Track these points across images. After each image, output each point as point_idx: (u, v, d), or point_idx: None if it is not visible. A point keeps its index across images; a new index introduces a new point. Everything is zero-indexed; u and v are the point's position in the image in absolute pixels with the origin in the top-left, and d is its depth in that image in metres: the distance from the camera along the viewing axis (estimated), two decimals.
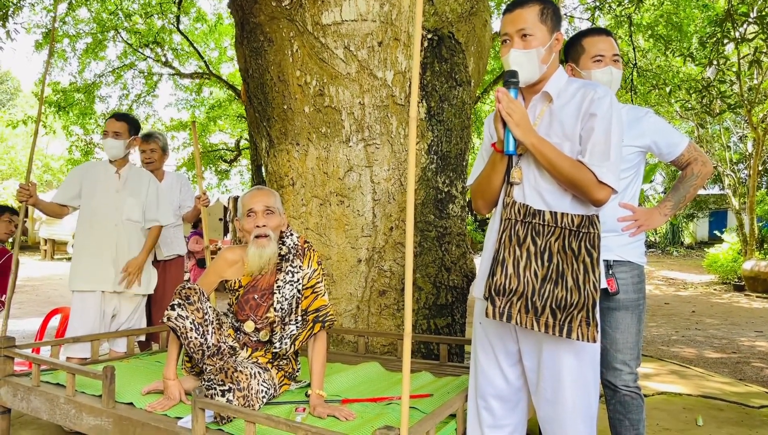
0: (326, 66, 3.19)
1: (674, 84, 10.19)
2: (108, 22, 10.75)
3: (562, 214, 1.66)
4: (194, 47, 11.93)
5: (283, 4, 3.19)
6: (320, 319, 2.38)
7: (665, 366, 4.85)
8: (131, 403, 2.26)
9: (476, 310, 1.89)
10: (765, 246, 13.28)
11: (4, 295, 3.75)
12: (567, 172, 1.63)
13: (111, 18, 10.69)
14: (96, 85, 12.02)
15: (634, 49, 8.61)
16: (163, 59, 12.69)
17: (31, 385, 2.50)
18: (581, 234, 1.64)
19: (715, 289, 12.09)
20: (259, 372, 2.25)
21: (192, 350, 2.25)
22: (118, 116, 3.43)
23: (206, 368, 2.26)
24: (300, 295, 2.39)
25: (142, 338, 3.82)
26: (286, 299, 2.36)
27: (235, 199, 12.10)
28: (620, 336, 2.14)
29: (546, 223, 1.66)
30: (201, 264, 5.93)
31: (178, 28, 11.37)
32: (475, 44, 3.63)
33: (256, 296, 2.41)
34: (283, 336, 2.36)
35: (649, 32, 9.93)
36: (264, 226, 2.33)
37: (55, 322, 4.27)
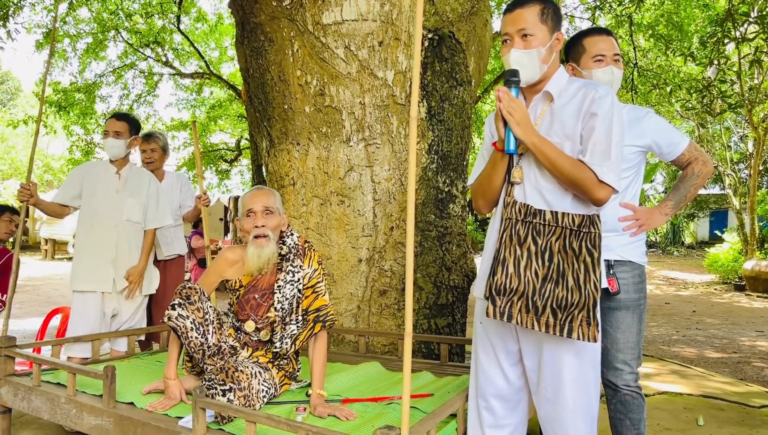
0: (327, 66, 3.19)
1: (675, 84, 10.18)
2: (108, 21, 10.75)
3: (563, 213, 1.66)
4: (195, 47, 11.93)
5: (284, 4, 3.19)
6: (321, 318, 2.38)
7: (666, 366, 4.85)
8: (132, 403, 2.26)
9: (477, 310, 1.89)
10: (766, 246, 13.28)
11: (5, 295, 3.75)
12: (568, 172, 1.63)
13: (111, 18, 10.69)
14: (97, 84, 12.02)
15: (634, 48, 8.60)
16: (164, 59, 12.69)
17: (32, 384, 2.50)
18: (582, 233, 1.64)
19: (715, 289, 12.08)
20: (259, 372, 2.25)
21: (193, 350, 2.25)
22: (118, 116, 3.43)
23: (207, 368, 2.26)
24: (300, 295, 2.39)
25: (143, 338, 3.82)
26: (286, 299, 2.36)
27: (236, 198, 12.10)
28: (621, 336, 2.14)
29: (547, 222, 1.66)
30: (202, 264, 5.93)
31: (178, 28, 11.37)
32: (475, 44, 3.63)
33: (256, 296, 2.41)
34: (283, 336, 2.36)
35: (650, 32, 9.92)
36: (263, 226, 2.33)
37: (55, 321, 4.27)
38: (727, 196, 15.48)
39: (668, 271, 15.43)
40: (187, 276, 5.39)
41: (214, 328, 2.31)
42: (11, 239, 4.06)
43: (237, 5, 3.45)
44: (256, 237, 2.33)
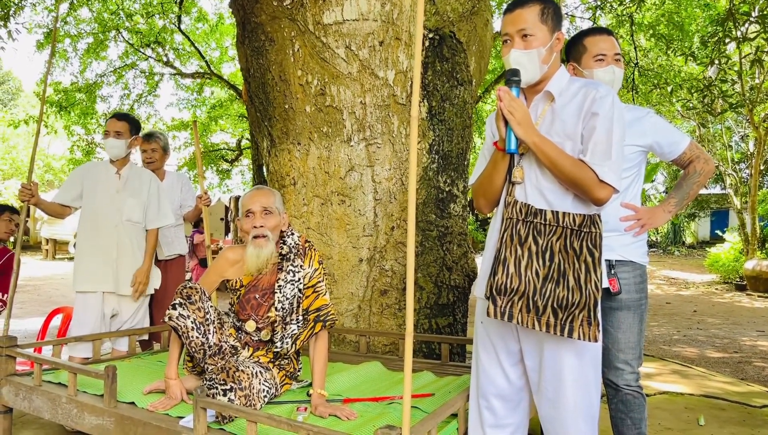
0: (327, 65, 3.19)
1: (676, 83, 10.18)
2: (109, 21, 10.76)
3: (564, 213, 1.65)
4: (195, 47, 11.94)
5: (285, 4, 3.19)
6: (321, 318, 2.38)
7: (667, 365, 4.85)
8: (133, 403, 2.26)
9: (478, 310, 1.89)
10: (767, 245, 13.25)
11: (5, 295, 3.75)
12: (568, 171, 1.63)
13: (112, 18, 10.70)
14: (97, 84, 12.03)
15: (635, 48, 8.60)
16: (165, 59, 12.70)
17: (33, 384, 2.50)
18: (583, 233, 1.63)
19: (716, 289, 12.07)
20: (260, 371, 2.25)
21: (193, 350, 2.25)
22: (119, 116, 3.44)
23: (208, 368, 2.26)
24: (301, 295, 2.39)
25: (145, 337, 3.83)
26: (287, 299, 2.36)
27: (237, 198, 12.11)
28: (622, 335, 2.14)
29: (547, 222, 1.66)
30: (204, 263, 5.93)
31: (179, 28, 11.37)
32: (476, 43, 3.63)
33: (257, 296, 2.41)
34: (284, 335, 2.36)
35: (651, 31, 9.92)
36: (261, 226, 2.33)
37: (56, 321, 4.27)
38: (728, 196, 15.47)
39: (669, 271, 15.42)
40: (188, 276, 5.39)
41: (214, 327, 2.32)
42: (12, 239, 4.07)
43: (238, 5, 3.45)
44: (254, 237, 2.33)
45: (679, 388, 4.06)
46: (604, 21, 9.53)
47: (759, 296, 10.65)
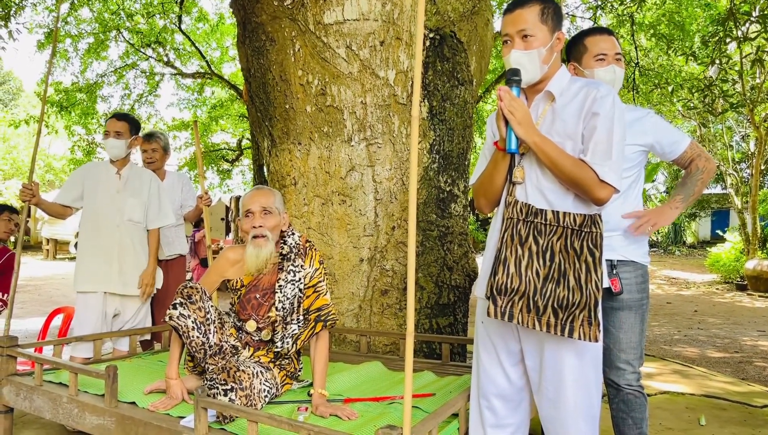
0: (328, 65, 3.19)
1: (676, 83, 10.17)
2: (110, 21, 10.77)
3: (565, 213, 1.65)
4: (196, 47, 11.94)
5: (285, 4, 3.19)
6: (322, 318, 2.38)
7: (668, 365, 4.84)
8: (134, 403, 2.26)
9: (478, 310, 1.88)
10: (767, 245, 13.25)
11: (6, 295, 3.76)
12: (569, 171, 1.63)
13: (113, 18, 10.71)
14: (98, 84, 12.04)
15: (636, 48, 8.60)
16: (165, 59, 12.70)
17: (34, 384, 2.50)
18: (583, 233, 1.63)
19: (717, 289, 12.07)
20: (261, 371, 2.25)
21: (194, 349, 2.25)
22: (119, 116, 3.44)
23: (208, 367, 2.26)
24: (302, 295, 2.39)
25: (147, 337, 3.83)
26: (287, 298, 2.36)
27: (237, 198, 12.12)
28: (623, 335, 2.14)
29: (548, 222, 1.66)
30: (204, 263, 5.94)
31: (179, 28, 11.38)
32: (477, 43, 3.63)
33: (257, 295, 2.42)
34: (284, 335, 2.36)
35: (651, 31, 9.92)
36: (260, 226, 2.33)
37: (57, 321, 4.28)
38: (729, 196, 15.46)
39: (670, 271, 15.41)
40: (189, 275, 5.40)
41: (215, 327, 2.32)
42: (12, 239, 4.07)
43: (238, 5, 3.46)
44: (254, 237, 2.33)
45: (680, 388, 4.06)
46: (604, 21, 9.53)
47: (760, 296, 10.64)
